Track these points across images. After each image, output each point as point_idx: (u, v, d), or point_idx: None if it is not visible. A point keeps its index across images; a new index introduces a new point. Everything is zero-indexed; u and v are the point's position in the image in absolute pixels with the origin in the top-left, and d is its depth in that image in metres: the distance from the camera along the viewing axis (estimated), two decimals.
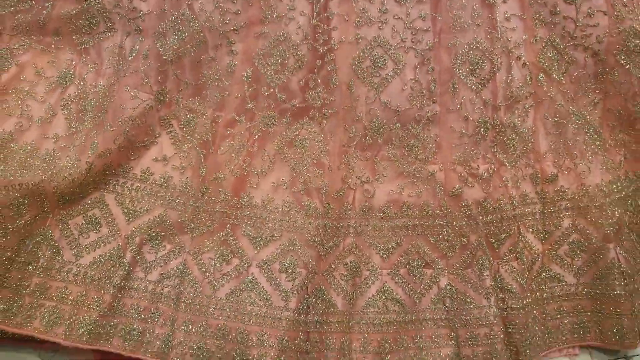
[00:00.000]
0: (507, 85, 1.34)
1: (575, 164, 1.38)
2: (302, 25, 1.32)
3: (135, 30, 1.34)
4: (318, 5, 1.31)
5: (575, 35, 1.35)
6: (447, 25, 1.33)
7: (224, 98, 1.35)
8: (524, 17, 1.35)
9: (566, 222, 1.38)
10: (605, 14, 1.33)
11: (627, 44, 1.33)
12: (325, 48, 1.32)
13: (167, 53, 1.32)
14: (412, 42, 1.34)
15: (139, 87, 1.33)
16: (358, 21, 1.32)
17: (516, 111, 1.35)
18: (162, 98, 1.35)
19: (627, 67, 1.34)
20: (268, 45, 1.33)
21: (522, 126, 1.36)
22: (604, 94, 1.39)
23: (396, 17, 1.33)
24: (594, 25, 1.34)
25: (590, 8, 1.33)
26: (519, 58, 1.34)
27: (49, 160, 1.29)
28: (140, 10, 1.32)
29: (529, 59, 1.36)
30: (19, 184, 1.22)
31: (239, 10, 1.32)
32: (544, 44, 1.36)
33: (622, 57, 1.34)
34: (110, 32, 1.35)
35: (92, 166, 1.28)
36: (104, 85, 1.35)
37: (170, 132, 1.37)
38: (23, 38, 1.37)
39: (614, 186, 1.39)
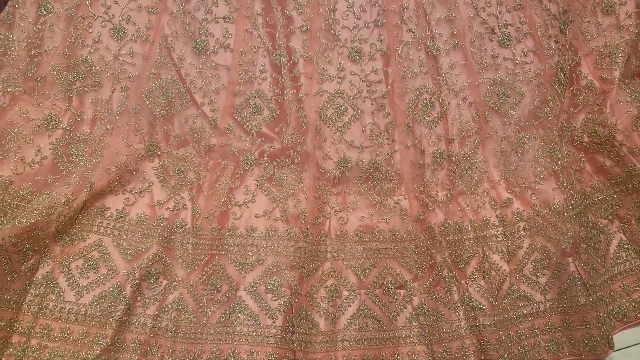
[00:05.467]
0: (457, 121, 1.52)
1: (525, 188, 1.51)
2: (272, 84, 1.52)
3: (122, 88, 1.48)
4: (285, 68, 1.52)
5: (517, 72, 1.56)
6: (397, 75, 1.53)
7: (210, 147, 1.51)
8: (467, 64, 1.56)
9: (526, 242, 1.46)
10: (536, 53, 1.55)
11: (558, 76, 1.54)
12: (294, 100, 1.51)
13: (156, 109, 1.49)
14: (368, 92, 1.53)
15: (132, 137, 1.47)
16: (320, 78, 1.53)
17: (468, 144, 1.52)
18: (153, 149, 1.49)
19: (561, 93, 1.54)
20: (244, 101, 1.52)
21: (475, 157, 1.52)
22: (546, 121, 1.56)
23: (352, 73, 1.54)
24: (530, 63, 1.55)
25: (523, 49, 1.56)
26: (465, 99, 1.54)
27: (47, 201, 1.33)
28: (129, 72, 1.48)
29: (475, 99, 1.54)
30: (23, 229, 1.27)
31: (218, 74, 1.52)
32: (490, 84, 1.56)
33: (557, 87, 1.54)
34: (96, 86, 1.46)
35: (87, 204, 1.36)
36: (91, 133, 1.44)
37: (162, 179, 1.48)
38: (4, 84, 1.40)
39: (568, 204, 1.46)
